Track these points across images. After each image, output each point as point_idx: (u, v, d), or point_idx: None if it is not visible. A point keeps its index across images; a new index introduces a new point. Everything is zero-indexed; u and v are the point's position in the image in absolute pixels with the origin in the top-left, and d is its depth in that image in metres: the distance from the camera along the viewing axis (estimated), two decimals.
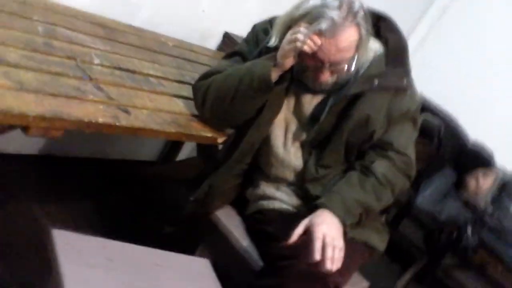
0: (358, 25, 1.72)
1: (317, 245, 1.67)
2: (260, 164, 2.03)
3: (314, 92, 1.89)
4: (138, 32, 2.45)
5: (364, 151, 1.92)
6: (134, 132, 1.71)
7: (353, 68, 1.80)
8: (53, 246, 1.44)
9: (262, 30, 1.97)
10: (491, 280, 3.53)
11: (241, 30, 2.93)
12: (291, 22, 1.76)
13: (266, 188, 2.02)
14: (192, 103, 2.01)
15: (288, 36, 1.74)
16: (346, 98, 1.84)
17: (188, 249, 2.16)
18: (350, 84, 1.84)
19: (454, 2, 4.00)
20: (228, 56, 2.03)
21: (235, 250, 1.98)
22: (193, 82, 2.22)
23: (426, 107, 3.04)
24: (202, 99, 1.93)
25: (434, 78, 3.42)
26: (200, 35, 2.87)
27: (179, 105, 2.02)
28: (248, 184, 2.08)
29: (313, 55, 1.73)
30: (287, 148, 1.96)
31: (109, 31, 2.25)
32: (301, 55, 1.74)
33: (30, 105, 1.46)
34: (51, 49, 1.82)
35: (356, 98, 1.84)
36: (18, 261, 2.11)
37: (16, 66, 1.60)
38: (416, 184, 3.04)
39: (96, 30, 2.19)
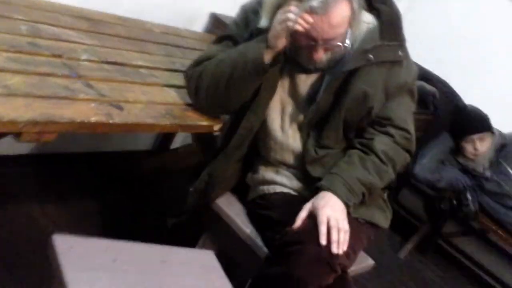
0: (350, 0, 1.68)
1: (322, 229, 1.66)
2: (258, 149, 2.00)
3: (308, 71, 1.86)
4: (123, 21, 2.40)
5: (363, 128, 1.90)
6: (129, 129, 1.68)
7: (347, 43, 1.76)
8: (55, 253, 1.41)
9: (251, 10, 1.91)
10: (492, 245, 3.56)
11: (228, 10, 2.89)
12: (281, 1, 1.72)
13: (266, 173, 2.00)
14: (185, 91, 1.96)
15: (279, 16, 1.70)
16: (341, 75, 1.81)
17: (191, 239, 2.15)
18: (345, 60, 1.80)
19: None
20: (218, 40, 1.98)
21: (239, 238, 1.96)
22: (184, 69, 2.18)
23: (418, 74, 3.02)
24: (195, 87, 1.89)
25: (424, 43, 3.38)
26: (186, 18, 2.81)
27: (172, 95, 1.98)
28: (247, 170, 2.06)
29: (306, 34, 1.68)
30: (284, 130, 1.93)
31: (94, 24, 2.19)
32: (293, 34, 1.70)
33: (20, 110, 1.42)
34: (36, 49, 1.77)
35: (351, 74, 1.81)
36: (19, 261, 2.09)
37: (1, 70, 1.55)
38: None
39: (81, 23, 2.13)
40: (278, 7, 1.73)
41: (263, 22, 1.78)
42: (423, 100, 3.23)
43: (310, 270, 1.67)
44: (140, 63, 2.08)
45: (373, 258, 2.12)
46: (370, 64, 1.80)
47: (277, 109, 1.92)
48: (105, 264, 1.48)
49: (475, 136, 3.19)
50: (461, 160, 3.27)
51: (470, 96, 3.45)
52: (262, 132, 1.95)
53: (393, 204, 2.16)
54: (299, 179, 1.96)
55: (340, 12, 1.67)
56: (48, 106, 1.51)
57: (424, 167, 3.15)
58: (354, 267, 1.88)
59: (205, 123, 1.91)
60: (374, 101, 1.82)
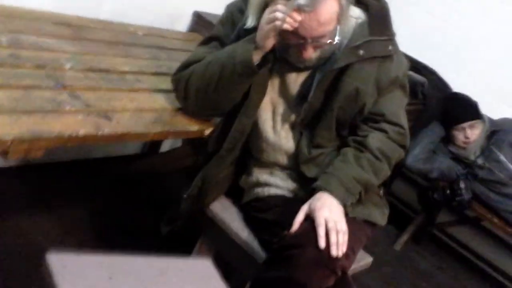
0: None
1: (321, 232, 1.63)
2: (251, 151, 1.97)
3: (298, 69, 1.83)
4: (106, 25, 2.35)
5: (356, 125, 1.87)
6: (119, 139, 1.64)
7: (336, 40, 1.73)
8: (50, 273, 1.37)
9: (237, 9, 1.88)
10: (487, 233, 3.56)
11: (211, 7, 2.85)
12: (268, 0, 1.68)
13: (259, 175, 1.96)
14: (173, 95, 1.93)
15: (266, 15, 1.66)
16: (332, 72, 1.78)
17: (186, 246, 2.12)
18: (335, 57, 1.77)
19: None
20: (205, 42, 1.94)
21: (236, 243, 1.93)
22: (170, 72, 2.13)
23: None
24: (184, 91, 1.85)
25: (409, 31, 3.35)
26: (169, 18, 2.76)
27: (161, 100, 1.94)
28: (241, 172, 2.02)
29: (294, 32, 1.65)
30: (276, 131, 1.90)
31: (76, 30, 2.14)
32: (282, 33, 1.66)
33: (6, 128, 1.38)
34: (18, 61, 1.72)
35: (342, 71, 1.78)
36: (12, 277, 2.04)
37: None
38: None
39: (62, 30, 2.08)
40: (265, 6, 1.69)
41: (250, 22, 1.74)
42: (412, 90, 3.19)
43: (310, 274, 1.63)
44: (125, 68, 2.03)
45: (369, 251, 2.10)
46: (360, 60, 1.77)
47: (268, 109, 1.89)
48: (102, 281, 1.44)
49: (466, 124, 3.18)
50: (452, 148, 3.25)
51: (458, 83, 3.43)
52: (254, 133, 1.91)
53: (387, 196, 2.14)
54: (293, 179, 1.92)
55: (329, 9, 1.63)
56: (35, 121, 1.46)
57: (416, 158, 3.14)
58: (353, 266, 1.86)
59: (195, 127, 1.87)
60: (366, 98, 1.79)
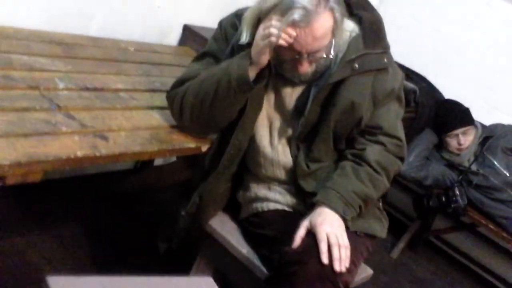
0: (331, 9, 1.64)
1: (323, 247, 1.62)
2: (248, 166, 1.95)
3: (293, 84, 1.81)
4: (96, 42, 2.32)
5: (353, 138, 1.86)
6: (116, 159, 1.62)
7: (331, 54, 1.72)
8: None
9: (230, 25, 1.87)
10: (483, 239, 3.56)
11: (200, 20, 2.84)
12: (261, 15, 1.67)
13: (258, 190, 1.95)
14: (168, 112, 1.90)
15: (261, 31, 1.65)
16: (328, 86, 1.77)
17: (184, 263, 2.10)
18: (331, 71, 1.76)
19: None
20: (199, 58, 1.92)
21: (236, 259, 1.91)
22: (163, 88, 2.13)
23: None
24: (179, 108, 1.83)
25: (398, 39, 3.36)
26: (159, 32, 2.75)
27: (156, 118, 1.92)
28: (238, 187, 2.01)
29: (290, 47, 1.64)
30: (274, 146, 1.88)
31: (67, 48, 2.11)
32: (277, 48, 1.66)
33: (3, 152, 1.35)
34: (11, 82, 1.69)
35: (338, 84, 1.77)
36: None
37: None
38: None
39: (54, 49, 2.06)
40: (258, 21, 1.69)
41: (244, 38, 1.73)
42: (404, 98, 3.22)
43: None
44: (119, 86, 2.01)
45: (366, 261, 2.09)
46: (356, 74, 1.76)
47: (264, 125, 1.87)
48: None
49: (458, 131, 3.18)
50: (446, 155, 3.26)
51: (449, 90, 3.44)
52: (251, 149, 1.90)
53: (383, 204, 2.14)
54: (292, 194, 1.91)
55: (323, 23, 1.62)
56: (32, 144, 1.44)
57: (410, 165, 3.13)
58: (355, 279, 1.85)
59: (192, 144, 1.85)
60: (362, 111, 1.78)
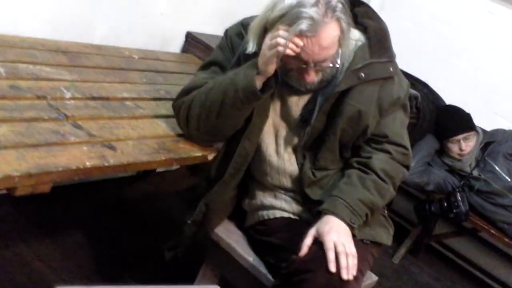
0: (338, 19, 1.64)
1: (330, 256, 1.62)
2: (254, 174, 1.96)
3: (299, 92, 1.82)
4: (101, 50, 2.33)
5: (359, 146, 1.86)
6: (124, 169, 1.62)
7: (338, 64, 1.73)
8: None
9: (235, 34, 1.88)
10: (485, 244, 3.57)
11: (203, 27, 2.85)
12: (268, 25, 1.68)
13: (264, 198, 1.95)
14: (174, 121, 1.92)
15: (268, 41, 1.65)
16: (334, 95, 1.78)
17: (190, 270, 2.10)
18: (337, 80, 1.77)
19: None
20: (204, 67, 1.93)
21: (242, 267, 1.92)
22: (168, 96, 2.14)
23: None
24: (185, 117, 1.83)
25: (399, 44, 3.37)
26: (162, 39, 2.76)
27: (162, 127, 1.92)
28: (243, 195, 2.01)
29: (296, 57, 1.65)
30: (280, 154, 1.89)
31: (72, 57, 2.12)
32: (283, 58, 1.66)
33: (13, 164, 1.35)
34: (19, 92, 1.70)
35: (344, 93, 1.78)
36: None
37: None
38: None
39: (59, 58, 2.06)
40: (264, 31, 1.69)
41: (250, 47, 1.73)
42: None
43: None
44: (124, 95, 2.02)
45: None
46: (362, 83, 1.77)
47: (270, 133, 1.88)
48: None
49: (460, 136, 3.20)
50: (447, 160, 3.27)
51: (449, 95, 3.45)
52: (257, 157, 1.90)
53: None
54: (298, 202, 1.92)
55: (330, 33, 1.63)
56: (41, 155, 1.44)
57: (412, 171, 3.13)
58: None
59: (199, 153, 1.86)
60: (368, 120, 1.79)
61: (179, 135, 1.90)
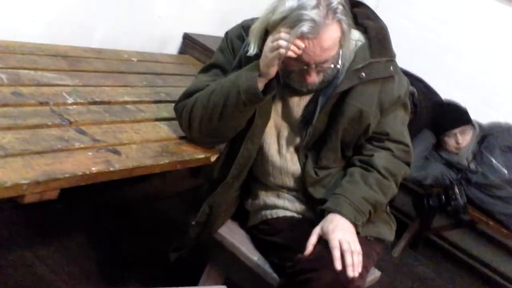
0: (339, 21, 1.66)
1: (336, 254, 1.64)
2: (256, 174, 1.97)
3: (301, 93, 1.84)
4: (100, 54, 2.33)
5: (361, 144, 1.88)
6: (130, 173, 1.63)
7: (339, 64, 1.74)
8: None
9: (236, 36, 1.89)
10: (483, 235, 3.61)
11: (200, 29, 2.86)
12: (269, 27, 1.69)
13: (266, 198, 1.97)
14: (176, 123, 1.93)
15: (270, 43, 1.66)
16: (335, 95, 1.79)
17: (194, 271, 2.12)
18: (338, 80, 1.78)
19: None
20: (206, 69, 1.94)
21: (246, 266, 1.93)
22: (169, 98, 2.15)
23: None
24: (188, 120, 1.84)
25: (394, 41, 3.39)
26: (159, 41, 2.77)
27: (164, 129, 1.93)
28: (246, 195, 2.03)
29: (298, 58, 1.66)
30: (282, 155, 1.90)
31: (72, 61, 2.13)
32: (285, 60, 1.67)
33: (20, 172, 1.36)
34: (21, 99, 1.71)
35: (345, 93, 1.79)
36: None
37: None
38: None
39: (59, 63, 2.07)
40: (265, 33, 1.71)
41: (251, 50, 1.75)
42: None
43: None
44: (126, 98, 2.03)
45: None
46: (363, 82, 1.78)
47: (272, 134, 1.89)
48: None
49: (456, 130, 3.23)
50: (444, 154, 3.29)
51: (445, 90, 3.48)
52: (260, 158, 1.92)
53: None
54: (301, 201, 1.93)
55: (331, 35, 1.65)
56: (47, 162, 1.45)
57: (410, 166, 3.16)
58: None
59: (201, 155, 1.87)
60: (370, 119, 1.81)
61: (181, 138, 1.91)
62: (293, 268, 1.71)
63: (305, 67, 1.70)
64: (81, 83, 1.99)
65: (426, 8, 3.79)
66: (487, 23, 3.60)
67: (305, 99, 1.85)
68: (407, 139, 1.91)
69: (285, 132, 1.89)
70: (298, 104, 1.86)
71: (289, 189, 1.94)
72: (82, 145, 1.60)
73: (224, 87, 1.77)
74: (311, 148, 1.88)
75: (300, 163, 1.89)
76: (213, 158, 1.90)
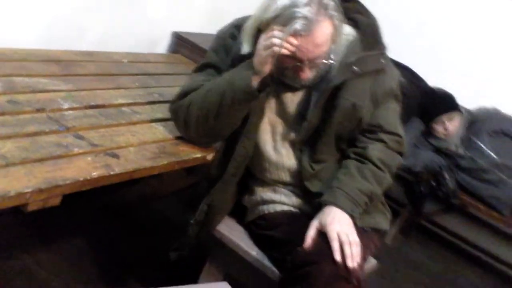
0: (331, 17, 1.69)
1: (335, 246, 1.67)
2: (253, 171, 2.00)
3: (294, 89, 1.86)
4: (90, 56, 2.34)
5: (355, 137, 1.92)
6: (130, 176, 1.65)
7: (331, 59, 1.77)
8: None
9: (228, 36, 1.91)
10: (474, 219, 3.67)
11: (189, 27, 2.87)
12: (261, 26, 1.72)
13: (263, 193, 2.00)
14: (171, 124, 1.95)
15: (263, 41, 1.69)
16: (328, 90, 1.82)
17: (192, 269, 2.14)
18: (330, 75, 1.81)
19: None
20: (199, 69, 1.96)
21: (246, 261, 1.96)
22: (162, 99, 2.16)
23: None
24: (184, 120, 1.87)
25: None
26: (149, 41, 2.78)
27: (160, 130, 1.95)
28: (243, 191, 2.05)
29: (291, 56, 1.69)
30: (277, 150, 1.93)
31: (65, 66, 2.13)
32: (278, 57, 1.70)
33: (22, 180, 1.38)
34: (17, 106, 1.72)
35: (338, 87, 1.82)
36: None
37: None
38: None
39: (52, 68, 2.08)
40: (258, 31, 1.73)
41: (245, 48, 1.77)
42: None
43: None
44: (120, 101, 2.04)
45: None
46: (355, 76, 1.81)
47: (267, 130, 1.92)
48: None
49: (444, 116, 3.27)
50: (433, 141, 3.34)
51: (432, 78, 3.52)
52: (255, 154, 1.94)
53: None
54: (297, 195, 1.96)
55: (324, 31, 1.67)
56: (48, 169, 1.47)
57: None
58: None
59: (199, 155, 1.89)
60: (363, 112, 1.84)
61: (178, 138, 1.93)
62: (293, 261, 1.74)
63: (299, 64, 1.72)
64: (75, 87, 2.00)
65: None
66: (473, 10, 3.64)
67: (299, 95, 1.88)
68: (400, 130, 1.95)
69: (279, 128, 1.91)
70: (292, 100, 1.88)
71: (285, 184, 1.97)
72: (81, 150, 1.61)
73: (219, 87, 1.79)
74: (306, 142, 1.90)
75: (295, 158, 1.92)
76: (209, 157, 1.92)
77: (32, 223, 2.49)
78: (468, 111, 3.38)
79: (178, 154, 1.84)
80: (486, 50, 3.62)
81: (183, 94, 1.88)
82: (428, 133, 3.36)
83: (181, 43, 2.79)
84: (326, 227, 1.72)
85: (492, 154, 3.20)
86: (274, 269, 1.90)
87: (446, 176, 3.20)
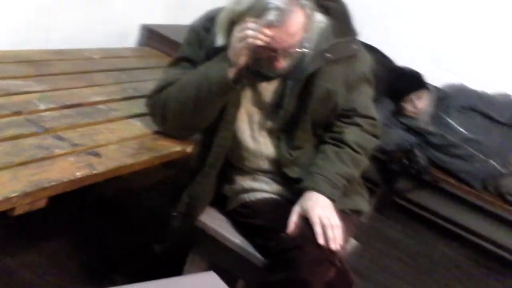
0: (303, 6, 1.72)
1: (318, 230, 1.72)
2: (232, 160, 2.02)
3: (269, 78, 1.89)
4: (61, 55, 2.33)
5: (331, 122, 1.95)
6: (113, 174, 1.67)
7: (305, 47, 1.80)
8: None
9: (202, 28, 1.92)
10: (446, 194, 3.76)
11: (157, 19, 2.86)
12: (235, 18, 1.74)
13: (243, 182, 2.02)
14: (148, 119, 1.97)
15: (237, 33, 1.71)
16: (303, 78, 1.85)
17: (176, 261, 2.15)
18: (304, 63, 1.84)
19: None
20: (174, 63, 1.97)
21: (231, 250, 1.98)
22: (137, 94, 2.17)
23: None
24: (161, 114, 1.88)
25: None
26: (118, 35, 2.77)
27: (138, 126, 1.97)
28: (223, 181, 2.07)
29: (266, 46, 1.71)
30: (255, 139, 1.96)
31: (38, 66, 2.13)
32: (253, 48, 1.72)
33: (8, 185, 1.39)
34: None
35: (312, 75, 1.85)
36: None
37: None
38: None
39: (25, 69, 2.07)
40: (232, 23, 1.75)
41: (219, 41, 1.79)
42: None
43: (313, 271, 1.72)
44: (95, 98, 2.04)
45: None
46: (328, 63, 1.85)
47: (244, 120, 1.94)
48: None
49: (412, 95, 3.34)
50: (403, 120, 3.41)
51: (401, 57, 3.57)
52: (234, 144, 1.96)
53: None
54: (277, 182, 1.99)
55: (297, 20, 1.70)
56: (32, 172, 1.48)
57: None
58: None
59: (178, 148, 1.92)
60: (337, 97, 1.88)
61: (156, 132, 1.95)
62: (277, 247, 1.79)
63: (273, 54, 1.75)
64: (49, 87, 1.99)
65: None
66: None
67: (274, 84, 1.90)
68: (374, 113, 2.00)
69: (256, 117, 1.94)
70: (267, 89, 1.91)
71: (265, 172, 2.00)
72: (62, 151, 1.63)
73: (195, 80, 1.81)
74: (283, 130, 1.93)
75: (273, 146, 1.95)
76: (189, 149, 1.94)
77: (15, 225, 2.47)
78: (436, 88, 3.45)
79: (158, 149, 1.86)
80: (454, 26, 3.68)
81: (159, 89, 1.89)
82: (398, 112, 3.42)
83: (151, 35, 2.78)
84: (308, 212, 1.76)
85: (462, 129, 3.28)
86: (258, 255, 1.93)
87: (418, 153, 3.27)
